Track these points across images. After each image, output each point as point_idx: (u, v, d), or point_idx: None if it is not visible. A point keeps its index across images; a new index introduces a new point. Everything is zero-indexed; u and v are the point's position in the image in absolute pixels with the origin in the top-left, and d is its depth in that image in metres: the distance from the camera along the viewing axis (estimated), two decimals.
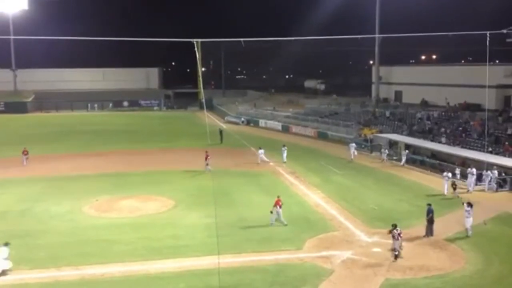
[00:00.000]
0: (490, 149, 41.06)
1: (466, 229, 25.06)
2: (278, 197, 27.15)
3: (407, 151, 43.19)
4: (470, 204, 25.42)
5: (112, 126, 73.90)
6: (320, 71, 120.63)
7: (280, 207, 26.57)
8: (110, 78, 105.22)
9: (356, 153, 45.64)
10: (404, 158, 42.72)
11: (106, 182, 37.03)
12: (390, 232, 22.08)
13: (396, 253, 21.71)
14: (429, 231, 24.90)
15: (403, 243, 22.51)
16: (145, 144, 55.81)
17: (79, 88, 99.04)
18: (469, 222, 25.06)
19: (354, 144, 46.70)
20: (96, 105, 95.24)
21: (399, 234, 21.79)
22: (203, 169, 39.63)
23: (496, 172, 34.21)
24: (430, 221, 24.95)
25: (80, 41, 65.21)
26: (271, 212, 26.53)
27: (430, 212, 25.09)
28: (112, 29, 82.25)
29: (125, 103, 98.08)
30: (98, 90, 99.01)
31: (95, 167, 42.66)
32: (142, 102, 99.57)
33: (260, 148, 44.14)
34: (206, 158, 39.74)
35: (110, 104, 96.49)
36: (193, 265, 21.30)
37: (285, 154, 44.34)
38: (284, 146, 45.45)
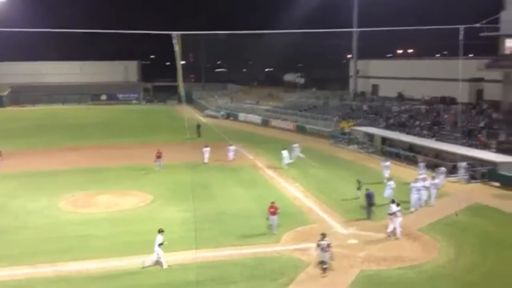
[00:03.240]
0: (463, 141, 41.85)
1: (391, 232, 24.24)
2: (272, 203, 25.03)
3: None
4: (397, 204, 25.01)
5: (90, 120, 73.34)
6: (300, 65, 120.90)
7: (274, 214, 24.59)
8: (88, 71, 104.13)
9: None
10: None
11: (83, 177, 36.85)
12: (319, 244, 20.25)
13: (325, 266, 19.92)
14: (369, 214, 26.59)
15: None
16: (123, 138, 55.56)
17: (56, 81, 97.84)
18: (398, 221, 24.23)
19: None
20: (73, 99, 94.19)
21: (328, 245, 20.05)
22: (155, 166, 38.70)
23: (464, 163, 34.90)
24: (370, 205, 26.62)
25: (57, 34, 64.45)
26: (267, 219, 24.91)
27: (368, 197, 26.74)
28: (90, 21, 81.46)
29: (103, 97, 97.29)
30: (76, 84, 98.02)
31: (72, 162, 42.39)
32: (121, 96, 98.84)
33: (231, 145, 43.12)
34: (158, 156, 38.73)
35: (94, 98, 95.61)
36: (171, 260, 21.36)
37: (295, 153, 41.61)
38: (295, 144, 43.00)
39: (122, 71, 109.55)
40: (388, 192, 29.00)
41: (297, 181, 35.57)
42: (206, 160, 40.90)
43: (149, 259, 21.06)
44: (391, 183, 29.75)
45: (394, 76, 68.70)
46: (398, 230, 24.03)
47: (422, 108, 56.16)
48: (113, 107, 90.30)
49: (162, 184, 34.85)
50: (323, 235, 20.31)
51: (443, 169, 33.26)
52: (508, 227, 25.96)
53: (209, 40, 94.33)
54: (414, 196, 28.05)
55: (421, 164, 35.71)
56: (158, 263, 20.96)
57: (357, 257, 21.84)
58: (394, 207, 24.28)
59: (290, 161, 40.16)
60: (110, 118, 76.13)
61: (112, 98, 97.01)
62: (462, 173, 34.65)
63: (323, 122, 60.02)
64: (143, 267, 20.75)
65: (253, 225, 25.82)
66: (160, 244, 20.89)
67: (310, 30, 55.41)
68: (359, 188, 30.22)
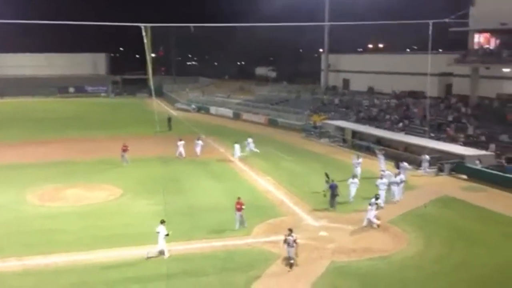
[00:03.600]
0: (432, 135, 42.53)
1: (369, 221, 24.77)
2: (238, 198, 24.66)
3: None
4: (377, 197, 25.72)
5: (58, 113, 72.06)
6: (271, 59, 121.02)
7: (239, 210, 24.24)
8: (55, 63, 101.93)
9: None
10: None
11: (51, 171, 36.15)
12: (285, 239, 20.02)
13: (292, 261, 19.80)
14: (332, 204, 27.30)
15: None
16: (92, 131, 54.72)
17: (23, 74, 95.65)
18: (372, 214, 24.74)
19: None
20: (41, 92, 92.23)
21: (294, 241, 19.86)
22: (122, 160, 38.04)
23: (427, 156, 35.39)
24: (333, 196, 27.30)
25: (23, 25, 62.97)
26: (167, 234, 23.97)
27: (332, 188, 27.45)
28: (57, 12, 79.85)
29: (71, 90, 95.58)
30: (43, 76, 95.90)
31: (40, 155, 41.56)
32: (89, 89, 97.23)
33: (199, 139, 42.30)
34: (124, 150, 38.00)
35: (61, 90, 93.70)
36: (141, 253, 21.12)
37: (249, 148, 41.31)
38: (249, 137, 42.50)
39: (91, 63, 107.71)
40: (352, 191, 28.57)
41: (268, 174, 35.58)
42: (184, 155, 40.27)
43: (153, 250, 20.93)
44: (356, 180, 29.18)
45: (364, 71, 69.40)
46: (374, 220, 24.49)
47: (391, 102, 56.86)
48: (82, 100, 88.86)
49: (132, 177, 34.42)
50: (290, 231, 20.12)
51: (405, 164, 33.09)
52: (474, 218, 26.47)
53: (179, 33, 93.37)
54: (382, 193, 27.81)
55: (380, 157, 35.32)
56: (161, 253, 20.89)
57: (327, 248, 21.97)
58: (373, 200, 24.94)
59: (242, 154, 40.03)
60: (78, 111, 74.90)
61: (80, 91, 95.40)
62: (426, 166, 35.10)
63: (295, 115, 60.23)
64: (147, 258, 20.62)
65: (224, 218, 25.67)
66: (166, 235, 20.86)
67: (282, 23, 55.55)
68: (327, 181, 30.38)
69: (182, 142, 40.70)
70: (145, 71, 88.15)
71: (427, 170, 35.21)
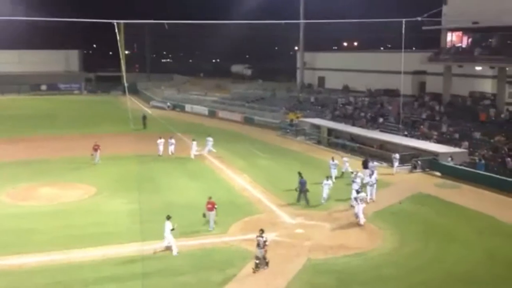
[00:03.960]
0: (406, 132, 43.02)
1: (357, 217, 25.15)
2: (209, 198, 24.36)
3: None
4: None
5: (30, 110, 70.80)
6: (247, 56, 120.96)
7: (211, 210, 23.85)
8: (27, 60, 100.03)
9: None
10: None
11: (23, 169, 35.48)
12: (256, 240, 19.56)
13: (257, 261, 19.34)
14: (300, 198, 27.94)
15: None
16: (65, 129, 53.87)
17: None
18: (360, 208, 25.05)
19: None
20: (12, 89, 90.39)
21: (264, 242, 19.40)
22: (93, 159, 37.38)
23: (397, 155, 35.74)
24: (302, 191, 27.88)
25: None
26: (204, 215, 24.24)
27: (301, 184, 28.02)
28: (29, 8, 78.19)
29: (44, 87, 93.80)
30: (15, 73, 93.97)
31: (11, 154, 40.72)
32: (62, 86, 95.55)
33: (160, 138, 40.41)
34: (95, 149, 37.30)
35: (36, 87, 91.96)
36: (116, 253, 20.98)
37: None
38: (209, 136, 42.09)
39: (63, 60, 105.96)
40: (325, 192, 28.28)
41: (245, 172, 35.54)
42: (164, 152, 39.97)
43: (160, 245, 20.95)
44: (329, 182, 28.91)
45: (340, 69, 69.80)
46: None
47: (365, 100, 57.33)
48: (54, 98, 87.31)
49: (106, 176, 34.01)
50: (261, 231, 19.66)
51: (376, 163, 33.17)
52: (448, 215, 26.85)
53: (154, 29, 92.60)
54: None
55: (345, 159, 34.63)
56: (168, 248, 20.91)
57: (304, 246, 22.07)
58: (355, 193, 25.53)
59: (198, 153, 39.86)
60: (51, 108, 73.65)
61: (53, 88, 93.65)
62: (396, 164, 35.40)
63: (271, 113, 60.27)
64: (154, 253, 20.67)
65: (200, 216, 25.52)
66: (172, 230, 20.90)
67: (257, 21, 55.63)
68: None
69: (162, 140, 40.39)
70: (119, 68, 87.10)
71: (397, 168, 35.45)
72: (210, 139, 41.32)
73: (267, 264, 19.49)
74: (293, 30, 76.33)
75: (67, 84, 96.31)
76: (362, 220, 24.66)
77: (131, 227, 23.85)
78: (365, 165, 33.19)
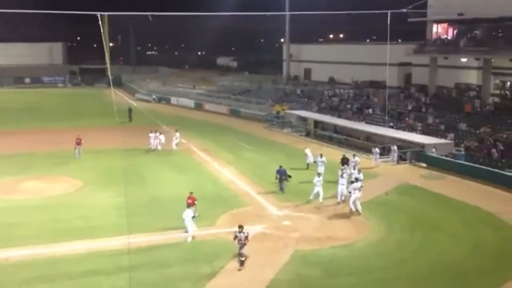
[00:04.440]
0: (391, 124, 43.20)
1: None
2: (190, 193, 23.90)
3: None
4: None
5: (14, 104, 69.93)
6: (233, 49, 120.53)
7: (190, 206, 23.01)
8: (11, 53, 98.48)
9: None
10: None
11: (8, 163, 35.06)
12: (236, 235, 19.13)
13: (242, 258, 19.04)
14: (281, 187, 28.66)
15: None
16: (49, 123, 53.34)
17: None
18: (356, 197, 25.24)
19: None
20: None
21: (246, 237, 18.96)
22: (75, 154, 36.90)
23: (396, 147, 35.98)
24: (280, 180, 28.80)
25: None
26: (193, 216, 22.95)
27: (278, 173, 28.96)
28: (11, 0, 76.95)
29: (27, 80, 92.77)
30: None
31: None
32: (46, 79, 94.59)
33: (152, 131, 40.75)
34: (77, 143, 36.82)
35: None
36: (103, 246, 20.85)
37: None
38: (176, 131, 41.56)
39: (47, 53, 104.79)
40: (317, 189, 27.21)
41: (231, 164, 35.48)
42: (158, 147, 39.69)
43: (188, 234, 21.82)
44: (320, 179, 27.34)
45: (326, 61, 69.82)
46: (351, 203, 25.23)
47: (351, 92, 57.44)
48: (38, 91, 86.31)
49: (92, 169, 33.74)
50: (241, 227, 19.20)
51: (357, 159, 32.51)
52: (434, 205, 27.04)
53: (138, 21, 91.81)
54: (340, 187, 27.04)
55: (320, 159, 32.53)
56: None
57: (291, 237, 22.10)
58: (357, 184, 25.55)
59: (157, 148, 39.58)
60: (35, 102, 72.84)
61: (36, 81, 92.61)
62: (377, 157, 35.46)
63: (257, 106, 60.21)
64: (189, 242, 21.40)
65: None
66: (193, 217, 21.77)
67: (242, 13, 55.34)
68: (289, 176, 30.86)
69: (154, 134, 40.04)
70: (103, 60, 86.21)
71: (379, 161, 35.48)
72: (177, 134, 40.81)
73: (242, 263, 18.98)
74: (279, 22, 76.10)
75: (51, 77, 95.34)
76: (359, 207, 24.95)
77: (117, 220, 23.67)
78: (343, 163, 31.59)
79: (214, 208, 25.49)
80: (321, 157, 32.44)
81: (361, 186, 25.68)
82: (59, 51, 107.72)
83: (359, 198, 25.24)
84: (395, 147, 36.06)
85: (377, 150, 35.46)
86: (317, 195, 26.80)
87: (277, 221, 24.20)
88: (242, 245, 18.99)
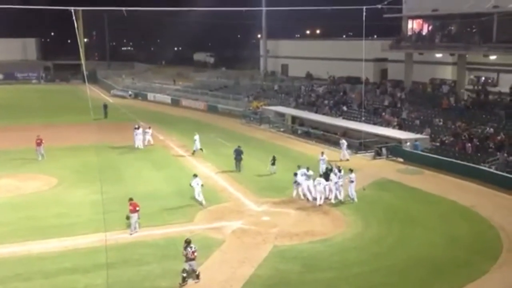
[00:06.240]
0: (368, 119, 43.48)
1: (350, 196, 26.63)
2: (130, 199, 22.46)
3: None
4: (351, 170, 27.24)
5: None
6: (209, 44, 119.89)
7: (133, 212, 21.95)
8: None
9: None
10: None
11: None
12: (184, 253, 17.70)
13: (185, 274, 17.47)
14: (237, 167, 31.60)
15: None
16: (23, 119, 52.34)
17: None
18: (352, 187, 26.65)
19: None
20: None
21: (193, 252, 17.60)
22: (36, 155, 35.55)
23: (344, 140, 36.30)
24: (237, 160, 31.63)
25: None
26: (127, 218, 22.10)
27: (235, 152, 31.86)
28: None
29: (0, 76, 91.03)
30: None
31: None
32: (19, 75, 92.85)
33: (138, 128, 40.12)
34: (38, 144, 35.44)
35: None
36: (79, 244, 20.56)
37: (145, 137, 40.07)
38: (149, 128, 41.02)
39: (20, 48, 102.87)
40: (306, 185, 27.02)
41: (209, 160, 35.31)
42: (145, 143, 39.37)
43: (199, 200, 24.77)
44: (322, 179, 26.72)
45: (302, 56, 69.93)
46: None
47: (329, 87, 57.61)
48: (12, 87, 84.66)
49: (67, 167, 33.25)
50: (187, 243, 17.70)
51: (325, 157, 31.79)
52: (410, 200, 27.31)
53: (113, 17, 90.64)
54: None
55: (321, 157, 31.57)
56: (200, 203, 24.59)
57: (270, 233, 22.10)
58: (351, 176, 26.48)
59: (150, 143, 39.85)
60: (9, 98, 71.41)
61: (9, 78, 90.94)
62: (344, 148, 35.72)
63: (234, 101, 59.99)
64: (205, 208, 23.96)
65: (164, 205, 25.35)
66: (202, 186, 25.01)
67: (219, 8, 54.98)
68: (273, 164, 30.94)
69: (140, 130, 39.69)
70: (78, 56, 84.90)
71: (347, 153, 35.79)
72: (139, 131, 39.99)
73: (197, 276, 17.69)
74: (255, 17, 76.00)
75: (24, 73, 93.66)
76: (354, 196, 26.27)
77: (94, 217, 23.32)
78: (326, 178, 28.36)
79: (192, 204, 25.33)
80: (322, 155, 31.67)
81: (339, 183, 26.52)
82: (33, 46, 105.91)
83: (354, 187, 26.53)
84: (344, 141, 36.27)
85: (344, 141, 35.78)
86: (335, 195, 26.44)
87: (256, 216, 24.18)
88: (189, 260, 17.59)
